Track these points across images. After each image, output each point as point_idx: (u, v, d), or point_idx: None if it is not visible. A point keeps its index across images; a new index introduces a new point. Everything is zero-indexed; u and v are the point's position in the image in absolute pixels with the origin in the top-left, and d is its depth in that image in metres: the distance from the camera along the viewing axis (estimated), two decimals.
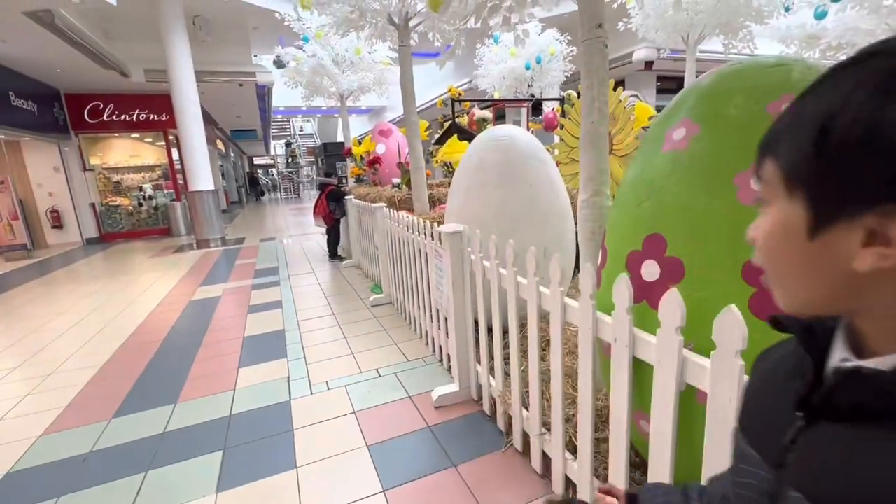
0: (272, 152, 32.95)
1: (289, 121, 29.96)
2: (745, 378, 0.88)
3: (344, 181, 8.13)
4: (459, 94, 6.43)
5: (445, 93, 9.77)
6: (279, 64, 9.54)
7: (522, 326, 1.89)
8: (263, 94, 12.39)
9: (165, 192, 11.39)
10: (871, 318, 0.33)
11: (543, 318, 1.65)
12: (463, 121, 5.96)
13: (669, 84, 12.20)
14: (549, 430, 1.70)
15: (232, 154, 22.43)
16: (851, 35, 5.35)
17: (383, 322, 3.61)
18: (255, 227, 11.52)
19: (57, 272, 6.91)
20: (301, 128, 32.05)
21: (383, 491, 1.72)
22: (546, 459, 1.73)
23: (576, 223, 2.81)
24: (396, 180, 5.62)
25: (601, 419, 1.67)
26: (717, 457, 0.94)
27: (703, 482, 0.99)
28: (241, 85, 10.28)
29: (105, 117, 10.27)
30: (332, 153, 18.03)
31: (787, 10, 5.16)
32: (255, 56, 10.04)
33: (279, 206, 19.40)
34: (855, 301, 0.32)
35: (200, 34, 8.02)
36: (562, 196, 2.68)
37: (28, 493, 1.85)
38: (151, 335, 3.67)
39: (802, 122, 0.32)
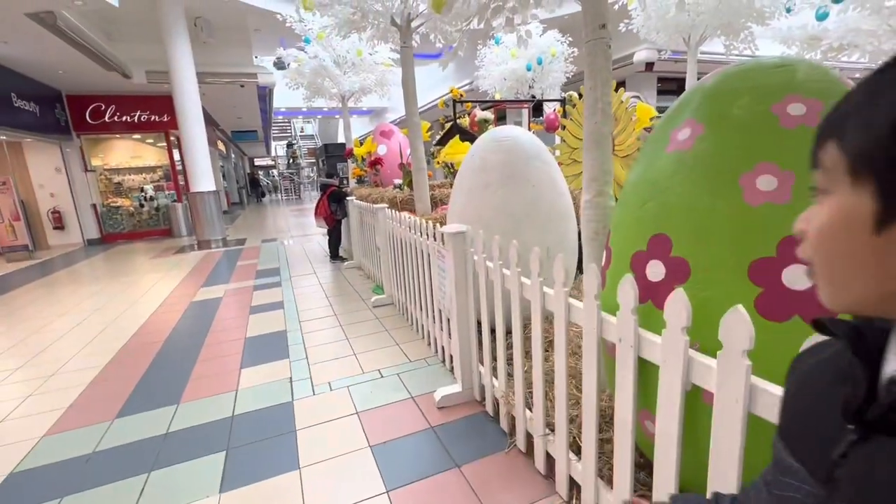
0: (273, 153, 32.98)
1: (289, 122, 30.00)
2: (752, 378, 0.88)
3: (345, 182, 8.13)
4: (461, 95, 6.42)
5: (447, 93, 9.78)
6: (279, 65, 9.55)
7: (525, 327, 1.88)
8: (265, 95, 12.41)
9: (167, 193, 11.40)
10: None
11: (546, 318, 1.65)
12: (464, 122, 5.97)
13: (670, 85, 12.21)
14: (552, 430, 1.69)
15: (233, 155, 22.46)
16: (853, 36, 5.35)
17: (385, 323, 3.61)
18: (256, 228, 11.53)
19: (58, 273, 6.92)
20: (302, 129, 32.09)
21: (387, 492, 1.72)
22: (550, 460, 1.72)
23: (578, 224, 2.81)
24: (398, 181, 5.62)
25: (605, 420, 1.67)
26: (723, 457, 0.94)
27: (710, 489, 0.99)
28: (242, 86, 10.30)
29: (106, 118, 10.29)
30: (332, 154, 18.04)
31: (788, 11, 5.17)
32: (255, 57, 10.06)
33: (280, 207, 19.41)
34: None
35: (202, 35, 8.04)
36: (564, 196, 2.68)
37: (31, 493, 1.85)
38: (153, 336, 3.67)
39: (879, 102, 0.28)
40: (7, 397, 2.75)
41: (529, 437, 1.85)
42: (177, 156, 11.16)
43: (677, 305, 0.99)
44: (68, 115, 9.92)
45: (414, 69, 3.97)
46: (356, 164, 7.06)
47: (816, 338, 0.74)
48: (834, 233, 0.32)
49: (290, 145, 31.91)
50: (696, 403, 1.10)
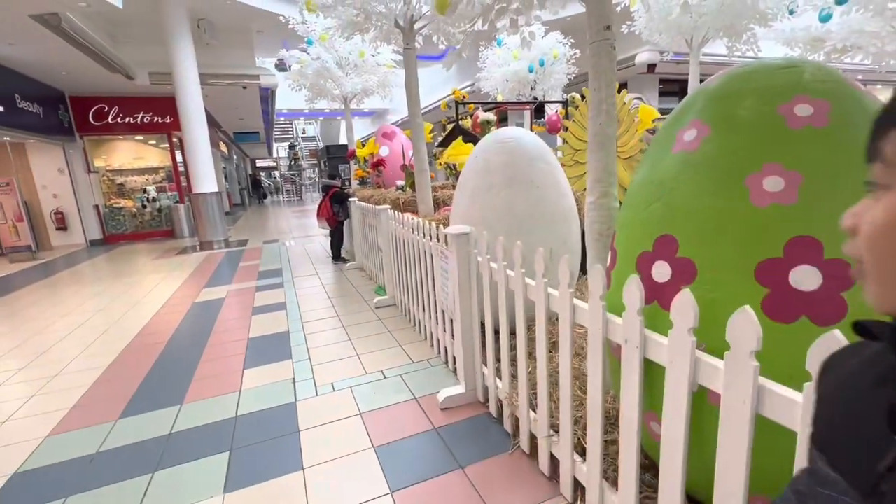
0: (275, 154, 33.04)
1: (291, 123, 30.05)
2: (760, 379, 0.88)
3: (347, 183, 8.15)
4: (464, 97, 6.44)
5: (449, 95, 9.79)
6: (281, 67, 9.58)
7: (528, 328, 1.88)
8: (267, 96, 12.44)
9: (169, 194, 11.43)
10: None
11: (550, 319, 1.65)
12: (466, 123, 5.97)
13: (672, 87, 12.21)
14: (556, 432, 1.69)
15: (235, 156, 22.51)
16: (857, 38, 5.34)
17: (387, 324, 3.61)
18: (258, 229, 11.54)
19: (61, 273, 6.94)
20: (304, 130, 32.13)
21: (391, 492, 1.72)
22: (554, 461, 1.72)
23: (581, 224, 2.81)
24: (400, 182, 5.63)
25: (609, 421, 1.66)
26: (730, 459, 0.94)
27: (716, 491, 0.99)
28: (244, 87, 10.33)
29: (110, 120, 10.33)
30: (334, 156, 18.04)
31: (791, 12, 5.16)
32: (257, 59, 10.09)
33: (282, 208, 19.44)
34: None
35: (205, 37, 8.07)
36: (567, 197, 2.68)
37: (36, 493, 1.85)
38: (156, 336, 3.68)
39: None
40: (11, 397, 2.75)
41: (533, 439, 1.85)
42: (179, 157, 11.20)
43: (684, 306, 0.99)
44: (71, 116, 9.95)
45: (417, 71, 3.98)
46: (359, 165, 7.07)
47: (825, 338, 0.74)
48: (892, 231, 0.30)
49: (292, 146, 31.96)
50: (703, 405, 1.10)
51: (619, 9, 5.33)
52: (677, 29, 5.56)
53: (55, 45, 6.61)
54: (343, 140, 24.49)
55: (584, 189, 3.67)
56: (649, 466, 1.49)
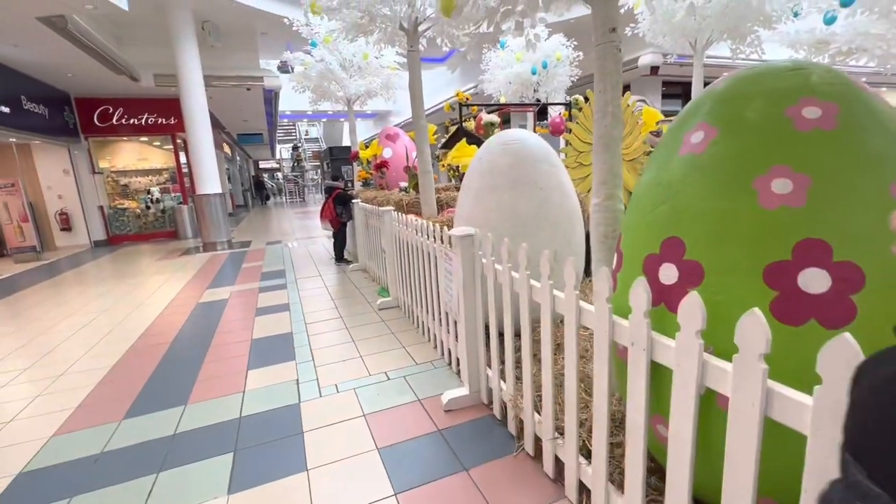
0: (278, 156, 33.15)
1: (294, 125, 30.17)
2: (769, 382, 0.87)
3: (350, 185, 8.16)
4: (467, 99, 6.45)
5: (451, 97, 9.81)
6: (283, 69, 9.60)
7: (533, 330, 1.88)
8: (270, 98, 12.49)
9: (173, 195, 11.47)
10: None
11: (553, 321, 1.65)
12: (469, 125, 5.98)
13: (674, 89, 12.20)
14: (561, 434, 1.69)
15: (238, 158, 22.59)
16: (862, 40, 5.33)
17: (391, 325, 3.61)
18: (260, 230, 11.57)
19: (65, 274, 6.97)
20: (307, 132, 32.26)
21: (395, 494, 1.72)
22: (559, 464, 1.72)
23: (586, 226, 2.81)
24: (403, 184, 5.64)
25: (615, 423, 1.66)
26: (738, 462, 0.93)
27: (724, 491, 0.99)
28: (248, 89, 10.37)
29: (114, 121, 10.38)
30: (337, 157, 18.10)
31: (795, 15, 5.15)
32: (261, 61, 10.13)
33: (284, 209, 19.49)
34: None
35: (209, 39, 8.10)
36: (572, 199, 2.68)
37: (41, 492, 1.86)
38: (160, 337, 3.69)
39: None
40: (16, 397, 2.76)
41: (538, 441, 1.84)
42: (183, 158, 11.25)
43: (692, 308, 0.99)
44: (77, 117, 10.01)
45: (421, 73, 3.99)
46: (362, 167, 7.08)
47: (836, 341, 0.73)
48: None
49: (295, 148, 32.07)
50: (710, 407, 1.10)
51: (622, 11, 5.34)
52: (681, 31, 5.56)
53: (61, 47, 6.66)
54: (346, 142, 24.55)
55: (588, 191, 3.67)
56: (655, 469, 1.49)
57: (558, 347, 2.08)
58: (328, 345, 3.29)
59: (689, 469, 1.07)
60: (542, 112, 8.73)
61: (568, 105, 7.12)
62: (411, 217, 3.29)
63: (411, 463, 1.90)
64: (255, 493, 1.78)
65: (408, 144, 6.48)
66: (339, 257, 6.40)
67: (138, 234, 11.02)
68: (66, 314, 4.56)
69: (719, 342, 1.06)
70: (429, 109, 12.74)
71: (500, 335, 2.27)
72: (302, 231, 10.78)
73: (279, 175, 34.89)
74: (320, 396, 2.52)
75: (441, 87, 14.12)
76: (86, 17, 6.27)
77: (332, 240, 6.50)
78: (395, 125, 12.83)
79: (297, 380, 2.74)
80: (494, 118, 5.36)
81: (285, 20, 6.92)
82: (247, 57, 9.61)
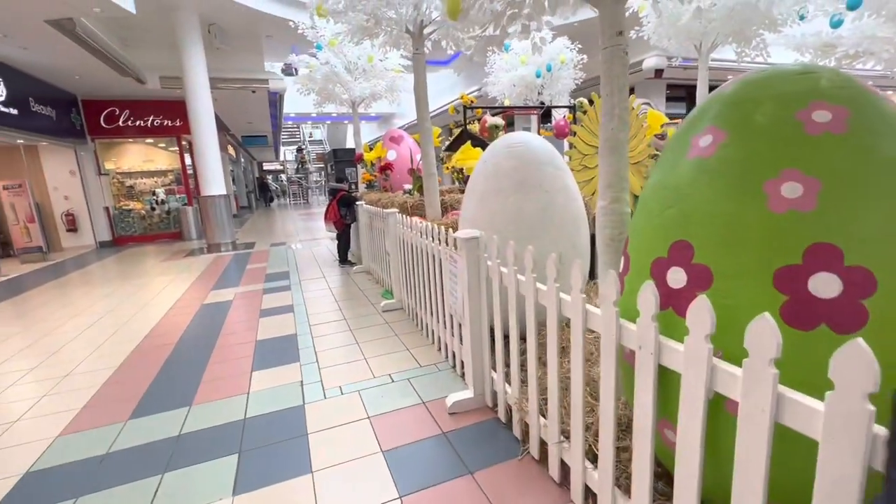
0: (282, 158, 33.28)
1: (299, 127, 30.28)
2: (780, 387, 0.87)
3: (354, 187, 8.19)
4: (472, 102, 6.46)
5: (455, 99, 9.82)
6: (287, 72, 9.64)
7: (538, 333, 1.87)
8: (275, 100, 12.56)
9: (177, 196, 11.54)
10: None
11: (559, 324, 1.64)
12: (474, 128, 5.99)
13: (679, 92, 12.19)
14: (567, 438, 1.68)
15: (242, 159, 22.70)
16: (869, 43, 5.30)
17: (395, 328, 3.61)
18: (264, 232, 11.61)
19: (71, 275, 7.01)
20: (311, 134, 32.37)
21: (400, 497, 1.71)
22: (564, 468, 1.71)
23: (591, 229, 2.80)
24: (408, 186, 5.64)
25: (621, 427, 1.65)
26: (748, 468, 0.93)
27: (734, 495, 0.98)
28: (253, 92, 10.44)
29: (120, 123, 10.46)
30: (341, 159, 18.19)
31: (801, 18, 5.14)
32: (266, 63, 10.19)
33: (288, 211, 19.56)
34: None
35: (215, 42, 8.16)
36: (577, 202, 2.68)
37: (47, 492, 1.86)
38: (165, 338, 3.70)
39: None
40: (22, 397, 2.78)
41: (543, 445, 1.83)
42: (188, 160, 11.32)
43: (701, 312, 0.98)
44: (83, 119, 10.10)
45: (426, 75, 4.00)
46: (366, 169, 7.10)
47: (849, 346, 0.73)
48: None
49: (299, 150, 32.20)
50: (718, 412, 1.09)
51: (627, 14, 5.33)
52: (686, 34, 5.55)
53: (69, 50, 6.72)
54: (350, 144, 24.62)
55: (593, 193, 3.67)
56: (662, 474, 1.48)
57: (563, 350, 2.07)
58: (332, 347, 3.29)
59: (697, 474, 1.06)
60: (545, 115, 8.73)
61: (572, 108, 7.12)
62: (415, 219, 3.29)
63: (416, 466, 1.90)
64: (260, 494, 1.78)
65: (412, 147, 6.49)
66: (343, 259, 6.41)
67: (143, 235, 11.08)
68: (72, 315, 4.59)
69: (728, 346, 1.05)
70: (433, 112, 12.77)
71: (505, 338, 2.26)
72: (306, 233, 10.81)
73: (283, 177, 35.03)
74: (325, 398, 2.52)
75: (445, 89, 14.15)
76: (93, 19, 6.33)
77: (336, 241, 6.51)
78: (399, 127, 12.87)
79: (302, 381, 2.74)
80: (499, 121, 5.36)
81: (291, 23, 6.95)
82: (252, 60, 9.67)
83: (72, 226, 10.25)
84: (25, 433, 2.35)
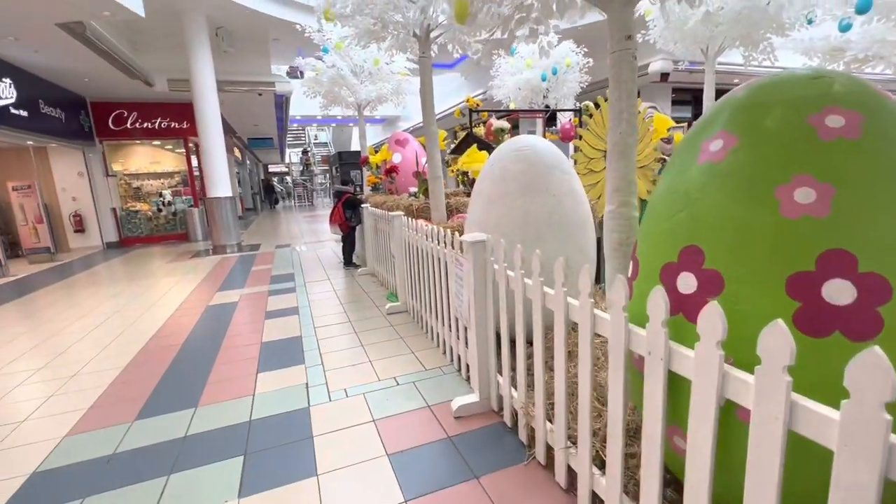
0: (287, 160, 33.46)
1: (304, 129, 30.44)
2: (793, 395, 0.86)
3: (359, 189, 8.21)
4: (477, 105, 6.47)
5: (460, 102, 9.85)
6: (293, 74, 9.71)
7: (545, 337, 1.87)
8: (281, 103, 12.63)
9: (184, 198, 11.62)
10: None
11: (568, 328, 1.64)
12: (479, 131, 5.99)
13: (684, 96, 12.16)
14: (573, 443, 1.67)
15: (248, 161, 22.84)
16: (878, 47, 5.27)
17: (399, 330, 3.61)
18: (270, 233, 11.66)
19: (78, 275, 7.06)
20: (316, 136, 32.54)
21: (405, 501, 1.71)
22: (571, 474, 1.70)
23: (597, 233, 2.80)
24: (413, 189, 5.65)
25: (629, 433, 1.64)
26: (760, 476, 0.91)
27: None
28: (260, 94, 10.51)
29: (128, 125, 10.56)
30: (346, 162, 18.24)
31: (810, 22, 5.12)
32: (272, 66, 10.26)
33: (293, 213, 19.63)
34: None
35: (223, 45, 8.23)
36: (584, 205, 2.67)
37: (54, 492, 1.87)
38: (171, 339, 3.72)
39: None
40: (30, 396, 2.80)
41: (549, 450, 1.82)
42: (195, 162, 11.40)
43: (712, 318, 0.97)
44: (92, 121, 10.20)
45: (432, 79, 4.01)
46: (371, 171, 7.12)
47: (865, 354, 0.72)
48: None
49: (304, 152, 32.35)
50: (729, 419, 1.08)
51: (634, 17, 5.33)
52: (693, 38, 5.54)
53: (79, 52, 6.80)
54: (355, 146, 24.70)
55: (599, 197, 3.66)
56: (671, 481, 1.46)
57: (569, 355, 2.06)
58: (337, 349, 3.29)
59: (707, 482, 1.05)
60: (551, 118, 8.74)
61: (577, 111, 7.11)
62: (421, 222, 3.30)
63: (421, 470, 1.89)
64: (266, 497, 1.78)
65: (417, 149, 6.51)
66: (348, 261, 6.42)
67: (150, 236, 11.16)
68: (79, 315, 4.62)
69: (739, 353, 1.04)
70: (438, 115, 12.79)
71: (511, 342, 2.26)
72: (311, 235, 10.85)
73: (288, 179, 35.20)
74: (330, 401, 2.52)
75: (450, 92, 14.19)
76: (103, 23, 6.40)
77: (341, 244, 6.53)
78: (404, 130, 12.91)
79: (307, 384, 2.74)
80: (505, 124, 5.36)
81: (297, 26, 7.01)
82: (259, 62, 9.75)
83: (79, 226, 10.34)
84: (33, 433, 2.36)
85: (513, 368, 2.14)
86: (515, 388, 2.09)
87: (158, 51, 8.76)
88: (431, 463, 1.93)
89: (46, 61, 7.43)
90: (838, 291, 0.95)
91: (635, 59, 1.71)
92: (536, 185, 2.54)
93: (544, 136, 7.11)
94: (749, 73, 8.41)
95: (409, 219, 3.63)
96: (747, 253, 1.06)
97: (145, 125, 10.71)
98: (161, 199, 11.46)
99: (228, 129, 13.75)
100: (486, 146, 4.96)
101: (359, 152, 8.00)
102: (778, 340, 0.85)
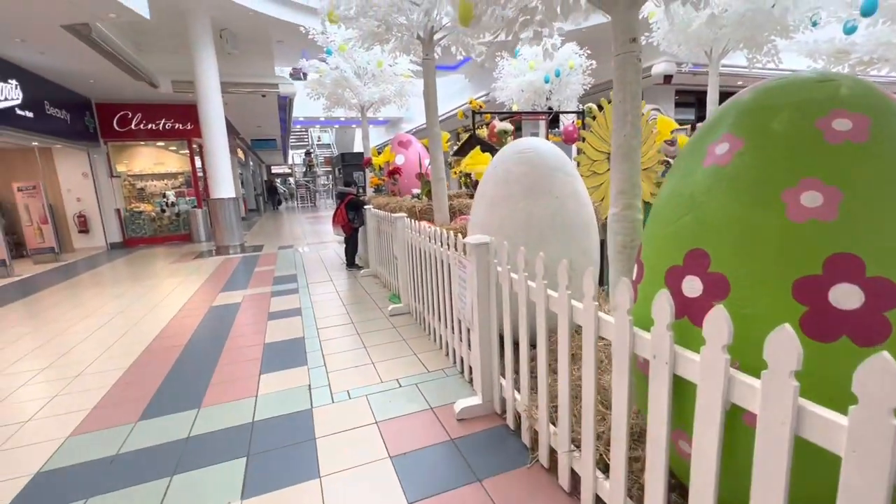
0: (290, 161, 33.56)
1: (307, 131, 30.54)
2: (800, 400, 0.85)
3: (362, 191, 8.23)
4: (480, 107, 6.47)
5: (463, 104, 9.86)
6: (296, 76, 9.74)
7: (549, 339, 1.86)
8: (285, 104, 12.68)
9: (187, 199, 11.66)
10: None
11: (571, 331, 1.63)
12: (482, 132, 6.00)
13: (688, 98, 12.14)
14: (577, 447, 1.66)
15: (251, 163, 22.91)
16: (884, 50, 5.25)
17: (402, 332, 3.60)
18: (273, 234, 11.69)
19: (82, 275, 7.09)
20: (319, 138, 32.64)
21: None
22: (575, 477, 1.69)
23: (600, 235, 2.79)
24: (416, 191, 5.66)
25: (633, 437, 1.63)
26: (767, 481, 0.91)
27: None
28: (263, 96, 10.55)
29: (133, 126, 10.61)
30: (349, 163, 18.28)
31: (814, 24, 5.10)
32: (276, 68, 10.30)
33: (296, 214, 19.68)
34: None
35: (227, 47, 8.27)
36: (587, 208, 2.66)
37: (58, 492, 1.87)
38: (174, 339, 3.72)
39: None
40: (34, 396, 2.81)
41: (553, 453, 1.82)
42: (198, 163, 11.44)
43: (718, 322, 0.97)
44: (97, 122, 10.25)
45: (435, 81, 4.02)
46: (374, 173, 7.13)
47: (874, 359, 0.71)
48: None
49: (307, 153, 32.45)
50: (735, 423, 1.07)
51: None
52: (697, 40, 5.53)
53: (84, 54, 6.84)
54: (358, 148, 24.74)
55: (602, 199, 3.65)
56: (675, 486, 1.45)
57: (573, 358, 2.05)
58: (340, 350, 3.29)
59: (713, 486, 1.04)
60: (554, 120, 8.73)
61: (580, 113, 7.11)
62: (424, 224, 3.30)
63: (424, 472, 1.89)
64: (269, 498, 1.78)
65: (420, 151, 6.51)
66: (351, 263, 6.43)
67: (153, 236, 11.21)
68: (83, 315, 4.64)
69: (745, 357, 1.04)
70: (441, 117, 12.82)
71: (514, 344, 2.25)
72: (313, 236, 10.86)
73: (291, 180, 35.29)
74: (332, 402, 2.52)
75: (453, 94, 14.21)
76: (108, 25, 6.43)
77: (344, 245, 6.54)
78: (407, 132, 12.93)
79: (310, 385, 2.74)
80: (508, 126, 5.37)
81: (301, 28, 7.03)
82: (263, 64, 9.79)
83: (83, 227, 10.39)
84: (37, 433, 2.37)
85: (516, 371, 2.13)
86: (518, 390, 2.08)
87: (163, 52, 8.81)
88: (434, 465, 1.93)
89: (52, 63, 7.48)
90: (846, 296, 0.95)
91: (640, 62, 1.71)
92: (540, 187, 2.54)
93: (547, 138, 7.11)
94: (753, 75, 8.39)
95: (412, 220, 3.64)
96: (753, 256, 1.05)
97: (149, 126, 10.76)
98: (165, 199, 11.50)
99: (232, 131, 13.80)
100: (490, 148, 4.96)
101: (362, 154, 8.01)
102: (785, 345, 0.85)
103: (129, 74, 7.97)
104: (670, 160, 3.96)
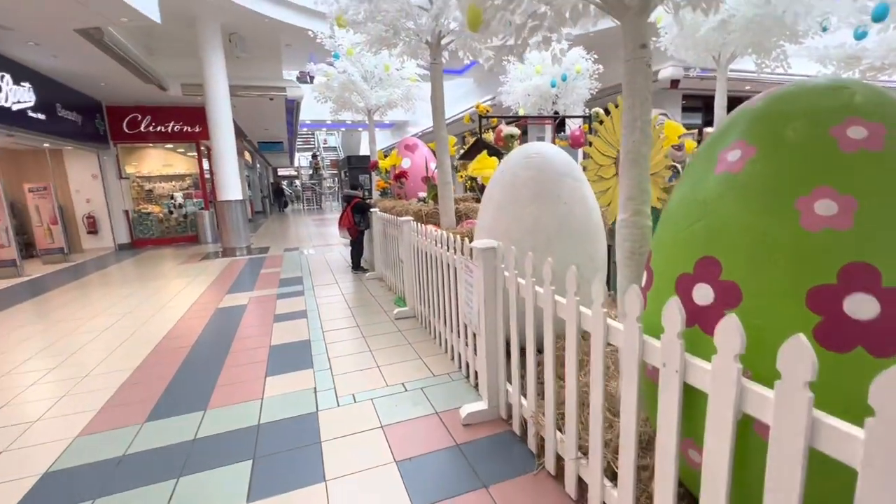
0: (296, 164, 33.73)
1: (313, 134, 30.69)
2: (815, 411, 0.84)
3: (368, 194, 8.25)
4: (487, 111, 6.48)
5: (470, 108, 9.88)
6: (302, 79, 9.80)
7: (556, 345, 1.85)
8: (292, 107, 12.76)
9: (195, 200, 11.75)
10: None
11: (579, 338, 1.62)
12: (489, 136, 6.00)
13: (695, 102, 12.11)
14: (584, 454, 1.65)
15: (258, 165, 23.06)
16: (895, 56, 5.21)
17: (407, 336, 3.60)
18: (279, 237, 11.74)
19: (91, 276, 7.16)
20: (325, 140, 32.78)
21: None
22: (582, 485, 1.68)
23: (607, 241, 2.78)
24: (422, 194, 5.66)
25: (641, 445, 1.61)
26: (780, 494, 0.89)
27: None
28: (271, 99, 10.63)
29: (142, 128, 10.74)
30: (355, 166, 18.33)
31: (824, 29, 5.07)
32: (284, 71, 10.38)
33: (302, 216, 19.76)
34: None
35: (236, 51, 8.35)
36: (595, 213, 2.65)
37: (66, 493, 1.88)
38: (181, 341, 3.74)
39: None
40: (42, 396, 2.83)
41: (559, 460, 1.80)
42: (206, 165, 11.54)
43: (730, 331, 0.96)
44: (107, 124, 10.38)
45: (443, 85, 4.03)
46: (380, 176, 7.15)
47: (893, 371, 0.70)
48: None
49: (314, 156, 32.60)
50: (746, 433, 1.06)
51: None
52: (705, 45, 5.51)
53: (96, 58, 6.93)
54: (364, 151, 24.84)
55: (608, 204, 3.63)
56: (684, 495, 1.44)
57: (580, 364, 2.04)
58: (345, 353, 3.30)
59: (724, 497, 1.03)
60: (560, 125, 8.72)
61: (587, 118, 7.10)
62: (430, 228, 3.30)
63: (430, 477, 1.88)
64: (274, 501, 1.77)
65: (427, 155, 6.52)
66: (356, 265, 6.44)
67: (161, 238, 11.30)
68: (91, 315, 4.68)
69: (757, 367, 1.02)
70: (447, 120, 12.85)
71: (521, 350, 2.24)
72: (319, 238, 10.90)
73: (297, 183, 35.47)
74: (338, 406, 2.52)
75: (459, 97, 14.25)
76: (120, 29, 6.52)
77: (350, 248, 6.55)
78: (413, 135, 12.97)
79: (315, 388, 2.74)
80: (515, 130, 5.36)
81: (310, 32, 7.09)
82: (271, 68, 9.87)
83: (92, 228, 10.50)
84: (45, 433, 2.39)
85: (522, 376, 2.12)
86: (525, 396, 2.07)
87: (173, 56, 8.91)
88: (440, 471, 1.92)
89: (64, 66, 7.59)
90: (861, 306, 0.94)
91: (650, 68, 1.70)
92: (547, 192, 2.53)
93: (554, 142, 7.10)
94: (761, 80, 8.34)
95: (418, 224, 3.64)
96: (766, 265, 1.04)
97: (159, 129, 10.88)
98: (172, 201, 11.61)
99: (239, 133, 13.91)
100: (496, 152, 4.96)
101: (368, 157, 8.03)
102: (800, 354, 0.84)
103: (139, 78, 8.06)
104: (678, 165, 3.93)
